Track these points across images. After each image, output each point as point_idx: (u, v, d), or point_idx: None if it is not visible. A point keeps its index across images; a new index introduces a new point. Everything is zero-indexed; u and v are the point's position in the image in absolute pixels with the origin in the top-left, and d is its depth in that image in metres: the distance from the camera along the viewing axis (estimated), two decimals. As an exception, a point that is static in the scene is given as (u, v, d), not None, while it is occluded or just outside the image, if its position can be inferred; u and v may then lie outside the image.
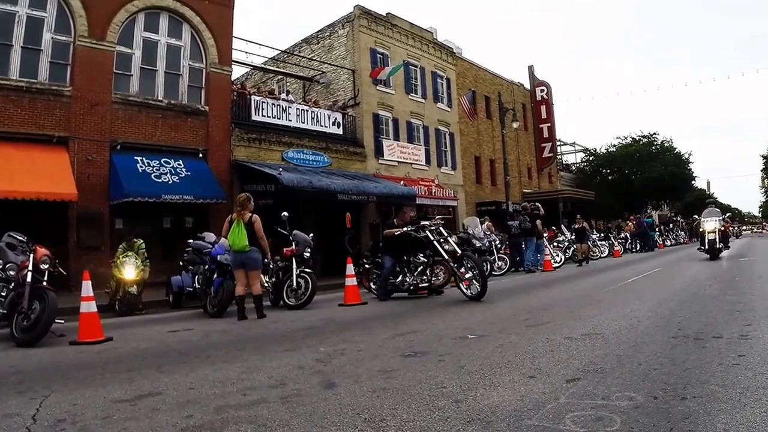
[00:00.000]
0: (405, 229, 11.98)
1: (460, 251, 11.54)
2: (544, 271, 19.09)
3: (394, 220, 12.77)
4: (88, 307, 7.63)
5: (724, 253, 19.97)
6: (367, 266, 13.55)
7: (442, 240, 11.53)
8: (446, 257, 11.31)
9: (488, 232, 18.94)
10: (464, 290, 10.76)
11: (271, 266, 11.78)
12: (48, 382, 4.85)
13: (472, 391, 3.91)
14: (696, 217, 21.12)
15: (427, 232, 11.55)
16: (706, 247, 18.91)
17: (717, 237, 18.81)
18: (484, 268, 15.96)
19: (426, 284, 11.98)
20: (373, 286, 12.94)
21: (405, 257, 12.10)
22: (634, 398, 3.49)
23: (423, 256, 12.00)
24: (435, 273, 12.96)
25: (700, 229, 20.47)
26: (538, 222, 20.42)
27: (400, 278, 11.98)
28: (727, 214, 21.92)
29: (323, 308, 10.64)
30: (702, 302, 8.21)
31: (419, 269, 11.95)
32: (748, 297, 8.44)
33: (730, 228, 46.12)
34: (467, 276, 10.76)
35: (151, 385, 4.58)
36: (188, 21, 19.30)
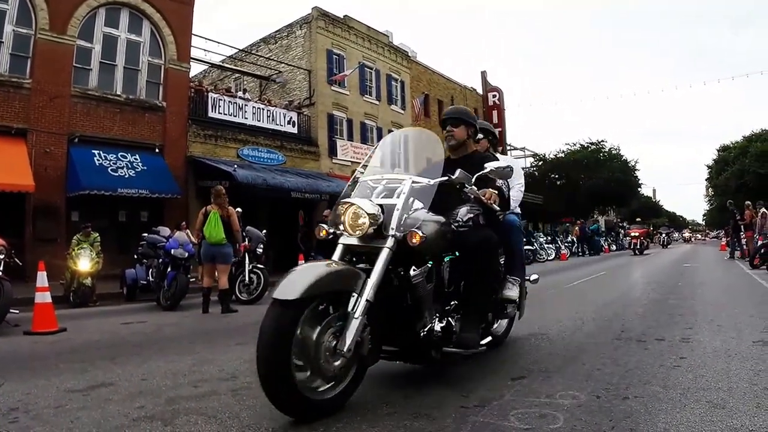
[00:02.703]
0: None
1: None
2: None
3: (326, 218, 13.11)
4: (43, 297, 7.69)
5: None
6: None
7: None
8: None
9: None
10: None
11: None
12: (1, 372, 4.87)
13: (419, 386, 3.97)
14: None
15: None
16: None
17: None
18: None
19: None
20: None
21: None
22: (577, 397, 3.56)
23: None
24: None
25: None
26: None
27: None
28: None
29: (275, 303, 10.95)
30: (645, 306, 8.31)
31: None
32: (689, 302, 8.56)
33: (650, 232, 41.69)
34: None
35: (104, 376, 4.61)
36: (148, 17, 19.56)
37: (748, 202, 20.64)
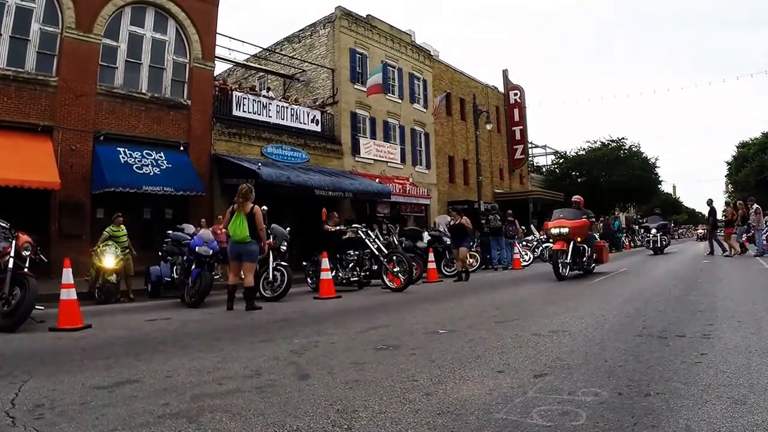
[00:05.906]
0: (340, 227, 13.56)
1: (387, 250, 13.09)
2: (513, 269, 19.31)
3: (328, 221, 14.09)
4: (68, 294, 7.70)
5: None
6: (304, 264, 14.34)
7: (371, 239, 13.00)
8: (376, 253, 12.77)
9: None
10: (387, 282, 12.32)
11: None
12: (27, 368, 4.90)
13: (442, 384, 3.98)
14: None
15: (360, 232, 12.95)
16: None
17: None
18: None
19: (356, 278, 13.12)
20: (309, 281, 13.82)
21: (337, 254, 13.23)
22: (599, 394, 3.57)
23: (353, 254, 13.18)
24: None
25: None
26: (516, 222, 21.15)
27: (333, 273, 12.70)
28: None
29: (298, 301, 10.92)
30: (666, 302, 8.27)
31: (350, 265, 13.12)
32: (710, 298, 8.54)
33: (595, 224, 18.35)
34: (395, 270, 12.19)
35: (129, 373, 4.63)
36: (174, 16, 19.66)
37: (728, 200, 21.17)
